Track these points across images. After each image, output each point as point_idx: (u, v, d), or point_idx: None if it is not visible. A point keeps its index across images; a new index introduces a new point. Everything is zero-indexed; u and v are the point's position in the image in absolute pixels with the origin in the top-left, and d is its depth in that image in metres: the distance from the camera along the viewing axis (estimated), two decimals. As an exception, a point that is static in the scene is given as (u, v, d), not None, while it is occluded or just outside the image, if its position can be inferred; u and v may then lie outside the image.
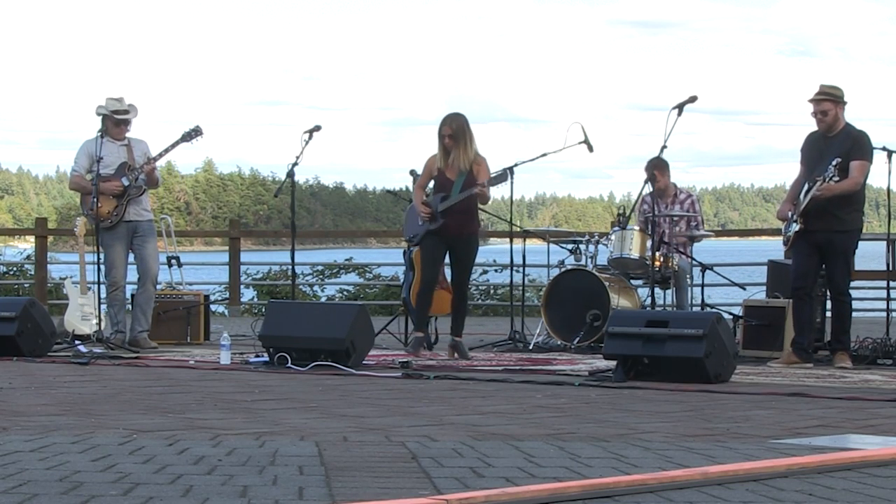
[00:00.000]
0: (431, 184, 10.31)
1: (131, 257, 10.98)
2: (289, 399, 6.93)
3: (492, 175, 10.03)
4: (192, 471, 4.26)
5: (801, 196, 9.27)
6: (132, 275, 11.18)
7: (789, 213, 9.36)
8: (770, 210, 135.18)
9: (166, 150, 11.02)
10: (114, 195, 10.76)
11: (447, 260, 10.39)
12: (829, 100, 9.23)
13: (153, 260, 10.93)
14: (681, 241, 11.06)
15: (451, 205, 9.99)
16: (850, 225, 9.29)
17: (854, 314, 9.23)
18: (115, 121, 10.82)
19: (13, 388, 7.41)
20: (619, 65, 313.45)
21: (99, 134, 10.80)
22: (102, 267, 10.81)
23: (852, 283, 16.12)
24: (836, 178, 8.99)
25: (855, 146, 9.18)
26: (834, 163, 8.98)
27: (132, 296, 11.13)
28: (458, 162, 9.97)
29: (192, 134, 11.02)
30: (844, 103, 9.31)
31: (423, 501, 3.61)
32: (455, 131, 9.98)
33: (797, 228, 9.26)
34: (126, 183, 10.78)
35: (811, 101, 9.31)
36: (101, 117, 10.87)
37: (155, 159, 10.90)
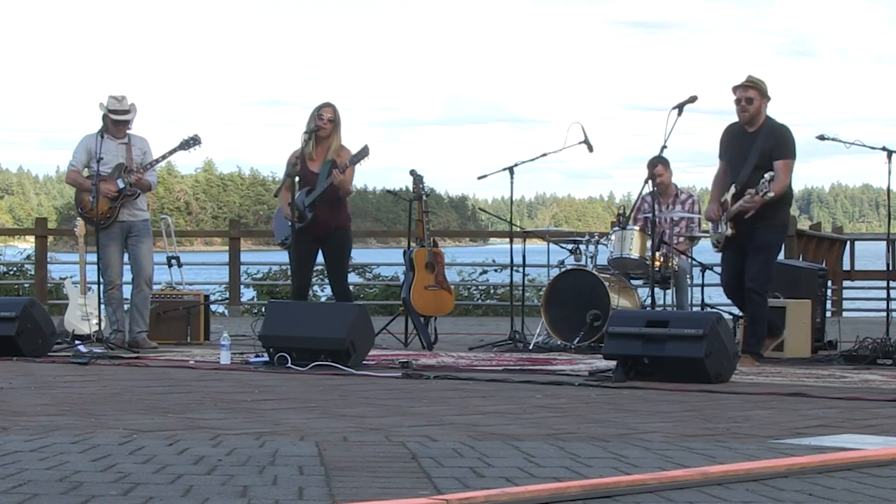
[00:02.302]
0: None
1: (127, 257, 10.97)
2: (289, 399, 6.93)
3: (352, 154, 9.99)
4: (192, 471, 4.26)
5: (729, 198, 9.01)
6: (129, 275, 11.16)
7: (721, 215, 9.09)
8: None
9: (163, 157, 11.02)
10: (109, 196, 10.75)
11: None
12: (755, 87, 8.96)
13: (146, 260, 10.90)
14: (684, 247, 11.02)
15: (318, 194, 9.96)
16: (774, 220, 9.04)
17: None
18: (113, 120, 10.82)
19: (13, 388, 7.41)
20: (619, 65, 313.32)
21: (99, 133, 10.80)
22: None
23: (851, 283, 15.97)
24: (771, 194, 8.75)
25: (777, 145, 8.95)
26: (767, 177, 8.74)
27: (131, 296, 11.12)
28: (329, 151, 9.95)
29: (191, 142, 11.00)
30: (769, 98, 9.07)
31: (423, 501, 3.61)
32: (335, 117, 10.02)
33: (728, 233, 9.01)
34: (121, 185, 10.77)
35: (736, 87, 8.98)
36: (102, 115, 10.88)
37: (151, 165, 10.86)
